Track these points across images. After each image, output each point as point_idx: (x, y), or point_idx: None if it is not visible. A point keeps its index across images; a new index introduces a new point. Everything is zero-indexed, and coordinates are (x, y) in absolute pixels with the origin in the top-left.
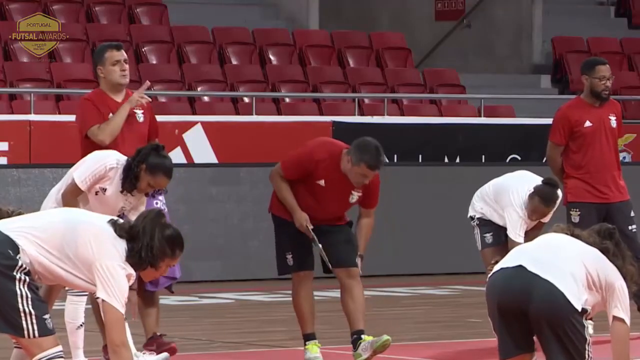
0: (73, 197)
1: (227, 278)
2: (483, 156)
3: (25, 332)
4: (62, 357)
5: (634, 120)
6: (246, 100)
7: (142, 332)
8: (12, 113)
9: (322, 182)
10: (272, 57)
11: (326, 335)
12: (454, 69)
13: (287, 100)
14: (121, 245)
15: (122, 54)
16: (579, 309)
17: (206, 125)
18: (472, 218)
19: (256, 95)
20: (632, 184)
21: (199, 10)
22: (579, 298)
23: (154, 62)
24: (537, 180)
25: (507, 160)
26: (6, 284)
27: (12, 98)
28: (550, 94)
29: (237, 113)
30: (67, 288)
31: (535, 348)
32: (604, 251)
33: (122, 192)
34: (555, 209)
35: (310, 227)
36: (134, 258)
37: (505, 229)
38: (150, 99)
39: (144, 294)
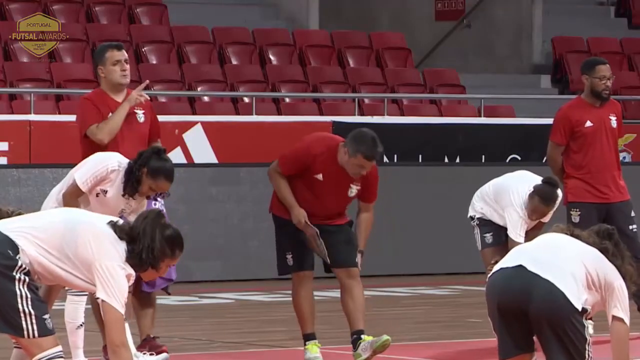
0: (74, 197)
1: (227, 278)
2: (483, 156)
3: (25, 332)
4: (62, 357)
5: (634, 120)
6: (246, 100)
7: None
8: (12, 113)
9: (320, 176)
10: (272, 57)
11: (326, 335)
12: (454, 69)
13: (287, 100)
14: (121, 246)
15: (123, 54)
16: (579, 309)
17: (206, 125)
18: (472, 218)
19: (256, 95)
20: (632, 184)
21: (199, 10)
22: (579, 298)
23: (154, 62)
24: (537, 180)
25: (507, 160)
26: (6, 284)
27: (12, 98)
28: (550, 94)
29: (237, 113)
30: (67, 288)
31: (535, 348)
32: (603, 251)
33: (124, 195)
34: (555, 208)
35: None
36: (135, 259)
37: (505, 229)
38: (148, 97)
39: (140, 295)
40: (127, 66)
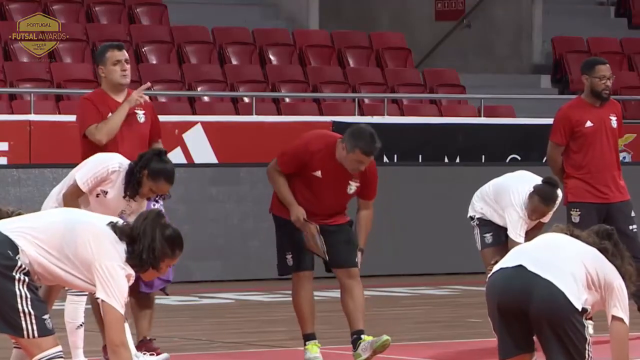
0: (74, 198)
1: (227, 278)
2: (483, 156)
3: (25, 333)
4: (61, 357)
5: (634, 120)
6: (246, 100)
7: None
8: (12, 113)
9: (318, 173)
10: (272, 57)
11: (326, 335)
12: (454, 69)
13: (287, 100)
14: (121, 247)
15: (124, 54)
16: (579, 309)
17: (206, 125)
18: (472, 218)
19: (256, 95)
20: (632, 184)
21: (199, 10)
22: (579, 298)
23: (154, 62)
24: (537, 180)
25: (507, 160)
26: (5, 285)
27: (12, 98)
28: (550, 94)
29: (237, 113)
30: (66, 288)
31: (535, 348)
32: (603, 251)
33: (124, 197)
34: (555, 208)
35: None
36: (135, 260)
37: (505, 229)
38: (148, 99)
39: (138, 296)
40: (128, 66)
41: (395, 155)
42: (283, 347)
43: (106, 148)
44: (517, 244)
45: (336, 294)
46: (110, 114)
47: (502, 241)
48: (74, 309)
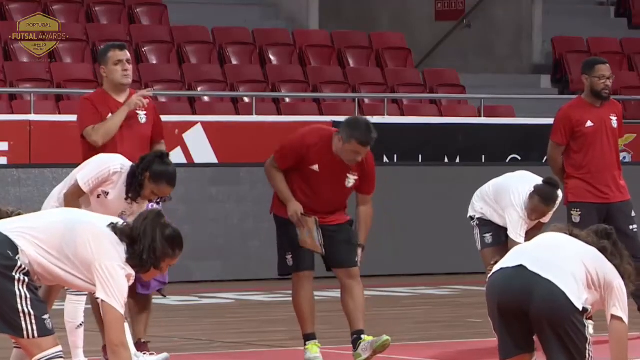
0: (75, 198)
1: (227, 278)
2: (483, 156)
3: (25, 333)
4: (61, 357)
5: (634, 120)
6: (246, 100)
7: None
8: (12, 113)
9: (316, 167)
10: (272, 57)
11: (326, 335)
12: (454, 69)
13: (287, 100)
14: (121, 247)
15: (125, 54)
16: (580, 309)
17: (206, 125)
18: (472, 218)
19: (256, 95)
20: (632, 184)
21: (199, 10)
22: (579, 297)
23: (154, 62)
24: (537, 180)
25: (507, 160)
26: (5, 285)
27: (12, 98)
28: (550, 94)
29: (237, 113)
30: (66, 288)
31: (535, 348)
32: (602, 250)
33: (126, 199)
34: (555, 209)
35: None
36: (136, 260)
37: (505, 229)
38: (150, 99)
39: (136, 297)
40: (129, 66)
41: (395, 155)
42: (283, 347)
43: (105, 149)
44: (517, 244)
45: (336, 294)
46: (110, 114)
47: (502, 241)
48: (74, 309)
